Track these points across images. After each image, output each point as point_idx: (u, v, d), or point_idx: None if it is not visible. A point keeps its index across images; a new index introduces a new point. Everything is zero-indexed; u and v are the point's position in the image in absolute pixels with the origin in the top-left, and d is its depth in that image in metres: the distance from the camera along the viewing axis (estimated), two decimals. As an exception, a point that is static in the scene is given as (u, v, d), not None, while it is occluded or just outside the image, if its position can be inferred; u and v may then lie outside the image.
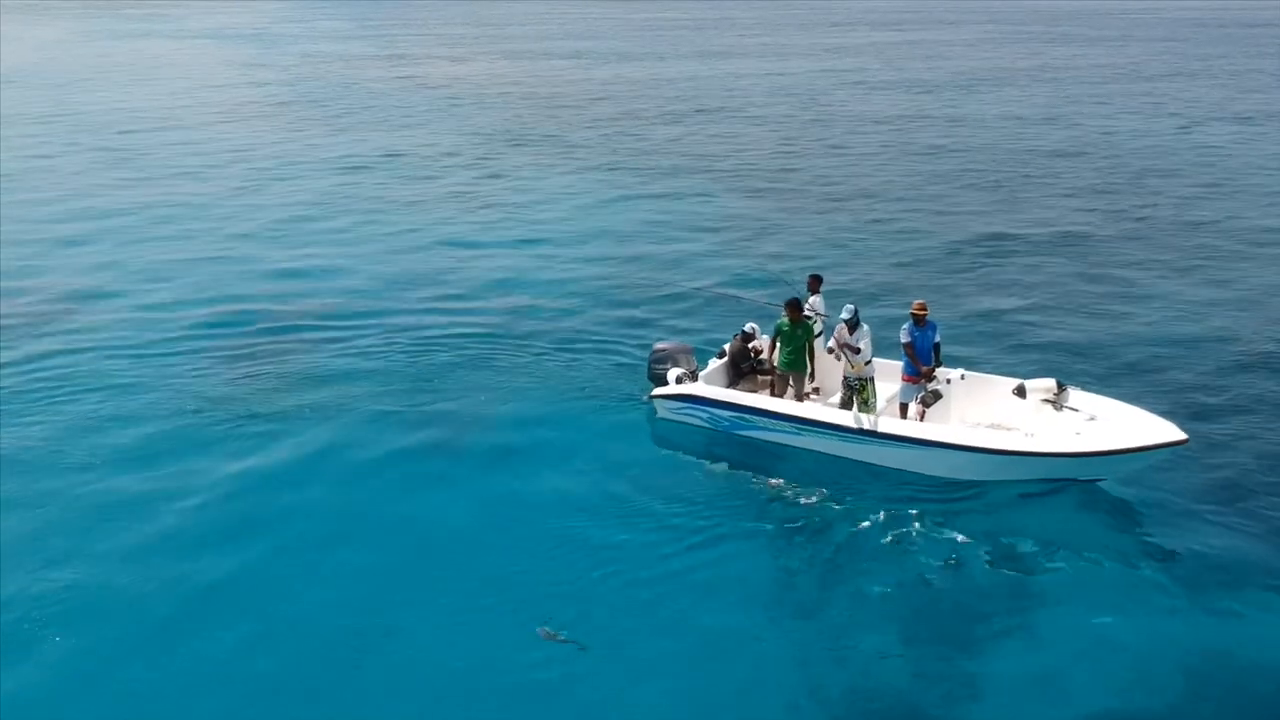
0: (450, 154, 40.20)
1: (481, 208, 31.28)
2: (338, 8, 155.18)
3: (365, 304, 22.00)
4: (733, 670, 10.88)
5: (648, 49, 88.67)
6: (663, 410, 16.44)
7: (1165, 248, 26.86)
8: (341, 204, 31.67)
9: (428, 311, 21.56)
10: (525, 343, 19.74)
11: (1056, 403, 14.66)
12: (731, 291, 20.96)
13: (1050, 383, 14.88)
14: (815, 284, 16.66)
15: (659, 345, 17.20)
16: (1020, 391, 14.98)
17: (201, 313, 21.43)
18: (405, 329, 20.43)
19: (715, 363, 16.70)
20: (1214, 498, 14.20)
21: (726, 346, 16.94)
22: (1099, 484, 14.31)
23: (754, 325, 16.90)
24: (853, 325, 14.89)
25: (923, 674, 10.93)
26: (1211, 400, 17.44)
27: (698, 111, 51.68)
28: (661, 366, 16.62)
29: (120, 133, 44.88)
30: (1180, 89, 59.77)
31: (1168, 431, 13.63)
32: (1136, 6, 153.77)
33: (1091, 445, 13.79)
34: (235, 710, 10.32)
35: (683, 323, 20.77)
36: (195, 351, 19.29)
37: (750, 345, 16.78)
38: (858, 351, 14.81)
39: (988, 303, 22.42)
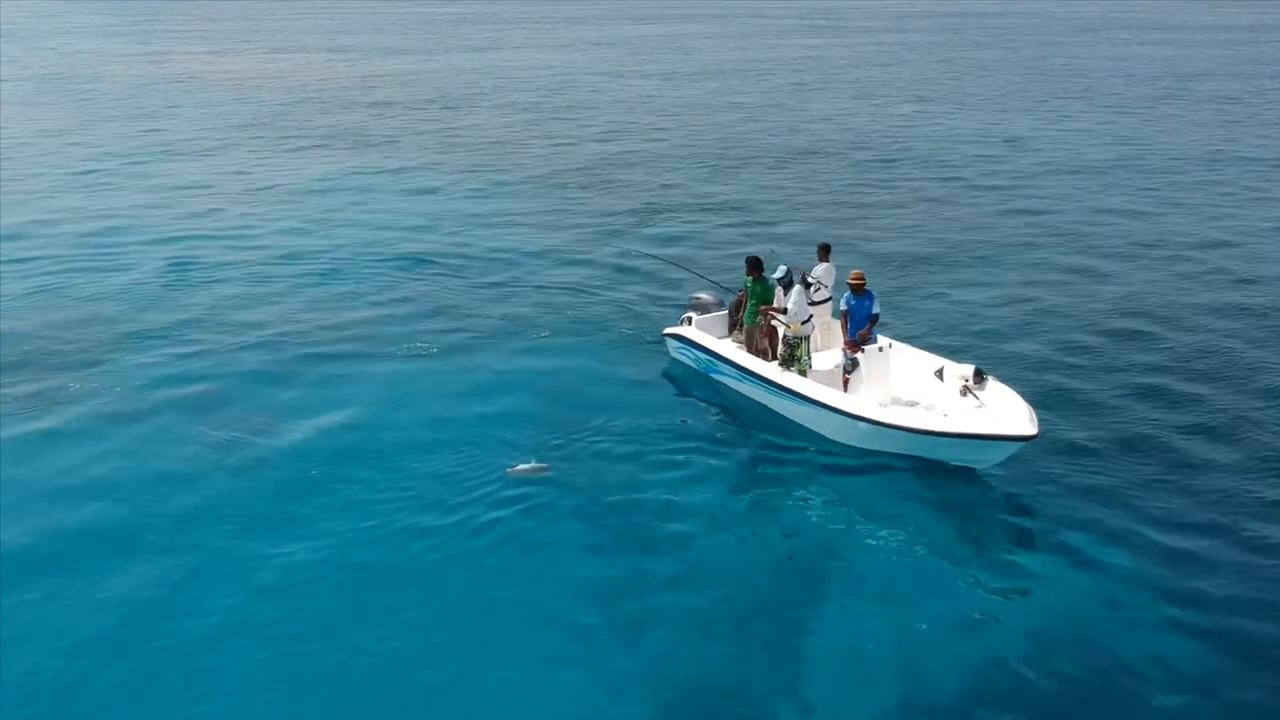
0: (206, 146, 40.30)
1: (253, 202, 31.38)
2: (97, 4, 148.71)
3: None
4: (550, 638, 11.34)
5: (417, 44, 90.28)
6: (670, 349, 18.29)
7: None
8: (96, 195, 31.75)
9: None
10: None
11: (967, 389, 14.57)
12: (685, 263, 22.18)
13: (969, 369, 14.84)
14: (824, 253, 17.07)
15: (695, 294, 18.60)
16: (939, 374, 15.15)
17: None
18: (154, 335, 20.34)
19: (721, 312, 17.95)
20: (1080, 492, 14.05)
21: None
22: (972, 471, 14.25)
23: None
24: (786, 285, 15.78)
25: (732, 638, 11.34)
26: (1069, 386, 17.58)
27: (433, 102, 53.05)
28: (689, 312, 18.12)
29: None
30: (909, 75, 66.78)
31: (1018, 425, 13.46)
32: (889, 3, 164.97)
33: (933, 425, 13.92)
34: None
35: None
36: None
37: None
38: (783, 312, 15.76)
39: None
